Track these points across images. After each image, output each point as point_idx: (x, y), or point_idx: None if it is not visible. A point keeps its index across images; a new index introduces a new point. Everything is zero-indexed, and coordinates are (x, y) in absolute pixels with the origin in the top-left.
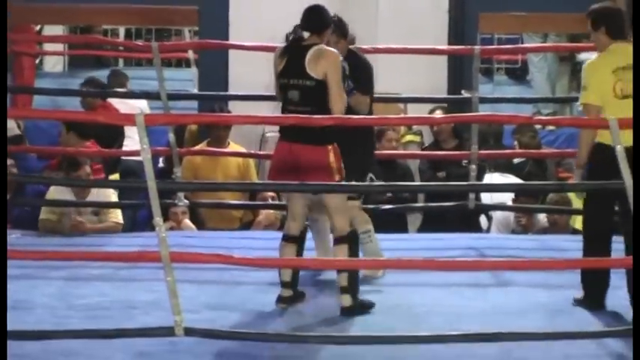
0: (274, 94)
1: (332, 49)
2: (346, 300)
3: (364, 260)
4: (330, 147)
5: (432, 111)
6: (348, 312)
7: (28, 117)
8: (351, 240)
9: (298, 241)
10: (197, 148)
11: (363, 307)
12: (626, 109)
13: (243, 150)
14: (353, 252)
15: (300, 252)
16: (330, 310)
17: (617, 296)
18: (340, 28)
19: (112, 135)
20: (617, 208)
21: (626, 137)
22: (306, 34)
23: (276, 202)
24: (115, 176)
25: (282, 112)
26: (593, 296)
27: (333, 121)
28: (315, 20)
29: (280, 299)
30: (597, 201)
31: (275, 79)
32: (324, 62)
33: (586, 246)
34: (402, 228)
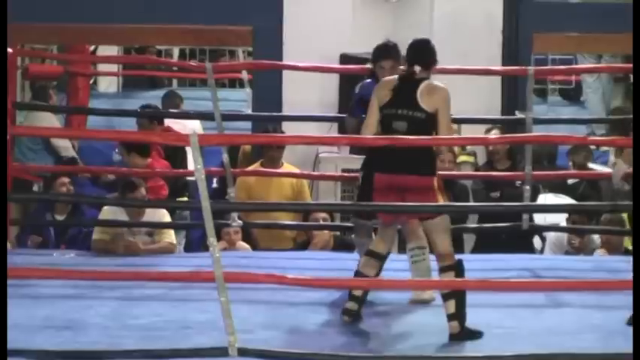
0: (330, 115)
1: (443, 86)
2: (454, 327)
3: (415, 281)
4: (434, 178)
5: (488, 130)
6: (457, 338)
7: (83, 137)
8: (457, 268)
9: (382, 259)
10: (250, 168)
11: (472, 334)
12: None
13: (297, 170)
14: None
15: (379, 272)
16: (381, 329)
17: None
18: (398, 54)
19: (179, 155)
20: None
21: None
22: (417, 68)
23: (329, 223)
24: (184, 198)
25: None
26: None
27: (386, 141)
28: (424, 55)
29: (345, 311)
30: None
31: (376, 109)
32: (436, 97)
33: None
34: (457, 248)
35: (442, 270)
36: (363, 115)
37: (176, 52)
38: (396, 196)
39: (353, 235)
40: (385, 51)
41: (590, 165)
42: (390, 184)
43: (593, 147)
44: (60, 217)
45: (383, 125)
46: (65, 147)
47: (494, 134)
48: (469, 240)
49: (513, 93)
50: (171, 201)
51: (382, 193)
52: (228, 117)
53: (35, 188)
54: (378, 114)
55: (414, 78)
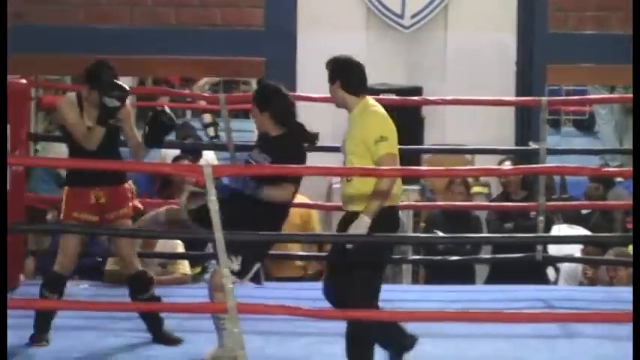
0: (340, 145)
1: (63, 98)
2: None
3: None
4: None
5: (501, 162)
6: None
7: (96, 168)
8: None
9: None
10: None
11: None
12: None
13: (307, 201)
14: None
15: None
16: None
17: None
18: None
19: None
20: None
21: None
22: None
23: None
24: None
25: None
26: None
27: (397, 173)
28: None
29: None
30: None
31: None
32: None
33: None
34: (469, 279)
35: None
36: None
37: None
38: None
39: None
40: None
41: None
42: None
43: None
44: None
45: None
46: None
47: (507, 165)
48: (482, 271)
49: (527, 124)
50: (184, 232)
51: None
52: (241, 147)
53: (49, 217)
54: None
55: None
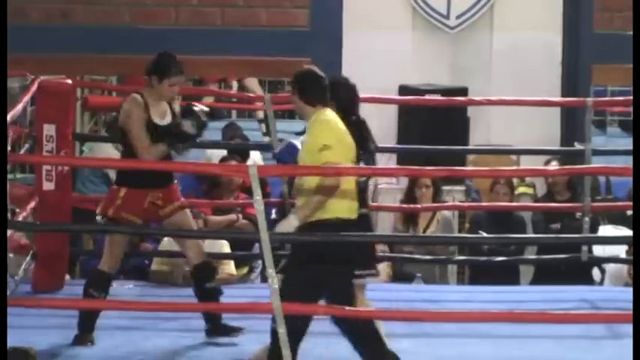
0: (387, 145)
1: (129, 99)
2: None
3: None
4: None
5: (547, 162)
6: None
7: (143, 168)
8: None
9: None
10: None
11: None
12: None
13: None
14: None
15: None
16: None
17: None
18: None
19: None
20: None
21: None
22: None
23: (388, 254)
24: None
25: None
26: None
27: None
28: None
29: None
30: None
31: None
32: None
33: None
34: (514, 280)
35: None
36: None
37: (235, 83)
38: None
39: None
40: None
41: None
42: None
43: None
44: None
45: None
46: None
47: (554, 166)
48: (528, 271)
49: (572, 124)
50: (229, 232)
51: None
52: None
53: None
54: None
55: None
